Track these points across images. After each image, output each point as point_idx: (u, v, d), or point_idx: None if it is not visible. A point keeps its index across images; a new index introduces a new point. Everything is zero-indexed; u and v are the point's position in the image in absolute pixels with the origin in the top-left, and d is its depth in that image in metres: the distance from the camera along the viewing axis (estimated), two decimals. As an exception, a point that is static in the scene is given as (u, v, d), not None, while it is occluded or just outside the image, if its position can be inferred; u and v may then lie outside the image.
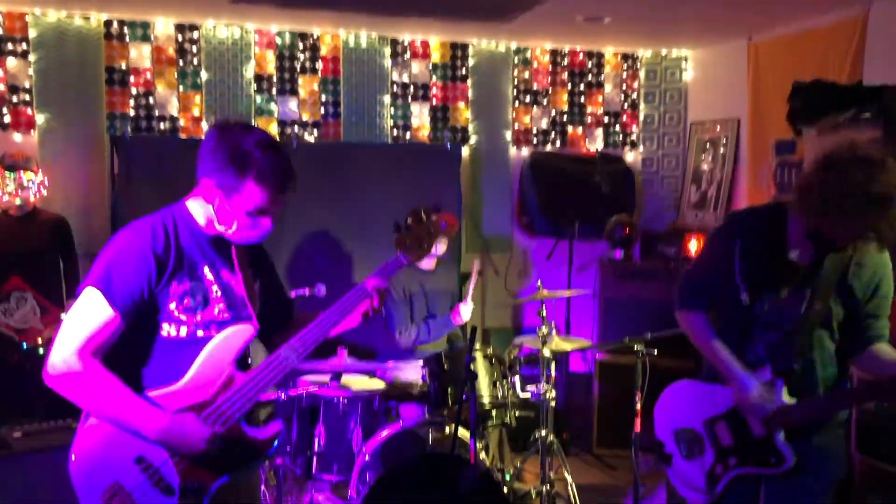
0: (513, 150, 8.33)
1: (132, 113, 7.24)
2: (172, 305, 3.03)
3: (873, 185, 3.12)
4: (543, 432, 5.61)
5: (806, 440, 3.63)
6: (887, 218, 3.15)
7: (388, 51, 7.87)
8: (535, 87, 8.36)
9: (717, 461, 3.79)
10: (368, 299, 3.38)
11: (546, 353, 5.64)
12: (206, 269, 3.14)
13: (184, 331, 3.06)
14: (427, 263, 6.30)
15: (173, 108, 7.34)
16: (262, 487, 5.46)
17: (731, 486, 3.77)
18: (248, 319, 3.22)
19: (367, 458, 4.95)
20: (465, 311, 6.20)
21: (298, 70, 7.65)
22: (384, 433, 5.10)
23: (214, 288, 3.14)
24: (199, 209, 3.12)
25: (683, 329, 3.93)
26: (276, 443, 3.20)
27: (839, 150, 3.30)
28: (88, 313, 2.92)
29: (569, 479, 5.73)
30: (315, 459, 5.37)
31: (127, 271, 2.94)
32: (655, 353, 5.48)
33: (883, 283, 3.62)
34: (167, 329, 3.05)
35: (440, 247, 6.17)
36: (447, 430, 5.04)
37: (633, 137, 8.70)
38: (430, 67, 8.02)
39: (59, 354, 2.89)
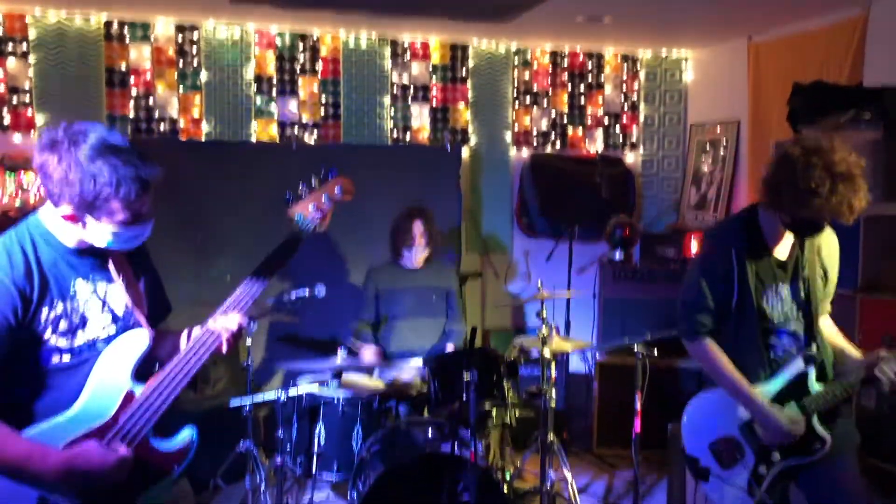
0: (513, 152, 8.33)
1: (132, 114, 7.25)
2: (48, 334, 2.75)
3: (836, 167, 3.42)
4: (543, 432, 5.60)
5: (833, 419, 3.82)
6: (856, 189, 3.45)
7: (387, 52, 7.87)
8: (535, 88, 8.37)
9: (759, 461, 3.84)
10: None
11: (546, 353, 5.63)
12: (79, 284, 2.84)
13: (66, 357, 2.79)
14: (408, 263, 6.31)
15: (173, 110, 7.35)
16: (262, 487, 5.47)
17: (773, 484, 3.84)
18: (137, 327, 2.96)
19: (366, 457, 4.94)
20: (367, 353, 5.99)
21: (298, 71, 7.65)
22: (384, 433, 5.08)
23: (91, 303, 2.86)
24: (57, 220, 2.76)
25: (696, 359, 3.97)
26: (190, 453, 2.94)
27: (790, 147, 3.56)
28: None
29: (569, 478, 5.72)
30: (315, 459, 5.36)
31: None
32: (655, 353, 5.47)
33: (838, 259, 3.99)
34: (48, 357, 2.77)
35: (416, 249, 6.19)
36: (447, 429, 5.03)
37: (633, 139, 8.70)
38: (430, 69, 8.02)
39: None
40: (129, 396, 2.82)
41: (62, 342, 2.78)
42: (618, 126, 8.65)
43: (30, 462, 2.59)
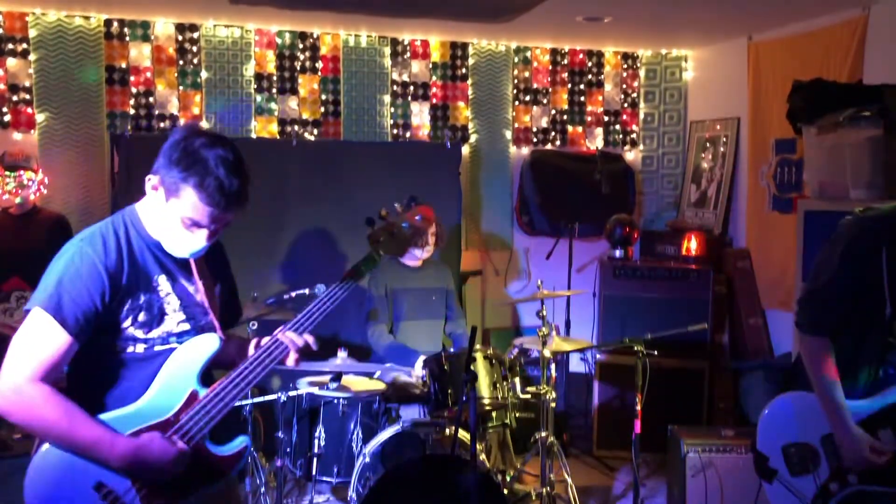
0: (513, 149, 8.34)
1: (132, 112, 7.26)
2: (127, 322, 2.84)
3: None
4: (544, 434, 5.61)
5: None
6: None
7: (387, 50, 7.87)
8: (535, 86, 8.37)
9: (833, 478, 3.58)
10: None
11: (546, 353, 5.63)
12: (161, 279, 2.93)
13: (141, 347, 2.88)
14: (413, 260, 6.29)
15: (173, 107, 7.35)
16: (262, 490, 5.48)
17: (845, 501, 3.58)
18: (210, 329, 3.05)
19: (367, 459, 4.94)
20: (418, 366, 5.83)
21: (298, 69, 7.65)
22: (384, 434, 5.09)
23: (171, 298, 2.95)
24: (151, 214, 2.91)
25: (803, 354, 3.67)
26: (243, 459, 3.02)
27: None
28: (39, 338, 2.70)
29: (569, 480, 5.72)
30: (315, 461, 5.37)
31: (78, 290, 2.73)
32: (656, 353, 5.47)
33: None
34: (123, 346, 2.86)
35: (426, 249, 6.17)
36: (447, 431, 5.03)
37: (633, 136, 8.70)
38: (430, 67, 8.02)
39: (9, 382, 2.67)
40: (193, 396, 2.90)
41: (139, 333, 2.87)
42: (618, 124, 8.65)
43: (98, 446, 2.69)
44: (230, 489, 3.33)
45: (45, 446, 2.75)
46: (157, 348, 2.91)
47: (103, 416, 2.78)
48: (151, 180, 2.84)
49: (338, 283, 3.23)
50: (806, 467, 3.64)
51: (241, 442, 3.01)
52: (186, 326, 2.99)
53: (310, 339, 3.07)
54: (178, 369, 2.91)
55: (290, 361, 3.05)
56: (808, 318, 3.63)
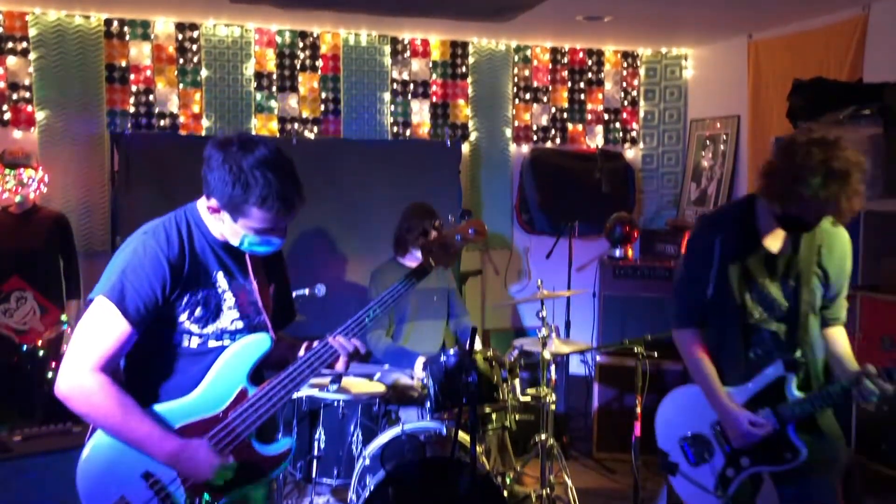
0: (513, 147, 8.33)
1: (132, 110, 7.25)
2: (184, 316, 2.93)
3: (833, 162, 3.23)
4: (543, 436, 5.60)
5: (815, 432, 3.68)
6: (847, 192, 3.26)
7: (388, 49, 7.87)
8: (535, 84, 8.36)
9: (728, 463, 3.78)
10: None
11: (546, 355, 5.63)
12: (220, 276, 3.03)
13: (195, 341, 2.97)
14: (415, 262, 6.27)
15: (173, 105, 7.35)
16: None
17: (740, 489, 3.78)
18: (262, 328, 3.12)
19: (366, 461, 4.93)
20: (418, 366, 5.80)
21: (298, 68, 7.65)
22: (384, 437, 5.07)
23: (227, 296, 3.03)
24: (210, 214, 2.99)
25: (677, 347, 3.91)
26: (287, 459, 3.09)
27: (796, 135, 3.41)
28: (101, 326, 2.81)
29: (569, 483, 5.72)
30: (315, 463, 5.37)
31: (140, 281, 2.82)
32: (655, 354, 5.46)
33: (846, 263, 3.74)
34: (178, 339, 2.95)
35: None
36: (447, 433, 5.02)
37: (634, 134, 8.70)
38: (431, 65, 8.02)
39: (71, 370, 2.79)
40: (243, 394, 2.99)
41: (194, 327, 2.98)
42: (618, 122, 8.65)
43: (147, 442, 2.82)
44: (268, 489, 3.44)
45: (98, 434, 2.88)
46: (211, 344, 3.01)
47: (155, 407, 2.91)
48: (211, 205, 2.91)
49: (389, 288, 3.32)
50: (702, 457, 3.87)
51: (286, 443, 3.10)
52: (240, 325, 3.08)
53: (358, 343, 3.13)
54: (229, 366, 3.00)
55: (339, 365, 3.12)
56: (673, 312, 3.92)
